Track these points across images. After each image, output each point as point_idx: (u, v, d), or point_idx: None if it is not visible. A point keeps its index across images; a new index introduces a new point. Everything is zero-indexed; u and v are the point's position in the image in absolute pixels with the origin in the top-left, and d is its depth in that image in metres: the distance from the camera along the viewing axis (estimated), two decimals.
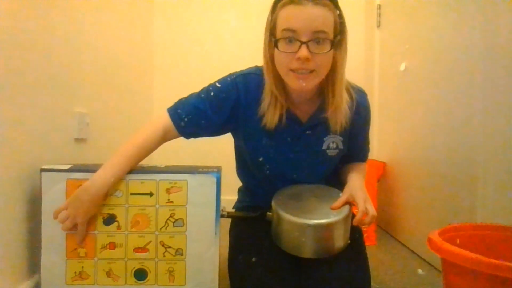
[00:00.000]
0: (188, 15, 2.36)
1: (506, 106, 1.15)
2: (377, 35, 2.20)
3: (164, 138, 1.05)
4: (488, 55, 1.22)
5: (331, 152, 1.06)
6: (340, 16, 0.91)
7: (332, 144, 1.06)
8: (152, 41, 2.34)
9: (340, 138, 1.06)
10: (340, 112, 0.99)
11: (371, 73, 2.22)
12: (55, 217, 0.96)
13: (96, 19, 1.51)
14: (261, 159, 1.07)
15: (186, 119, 1.04)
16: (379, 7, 2.18)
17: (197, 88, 1.03)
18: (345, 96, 1.00)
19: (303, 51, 0.86)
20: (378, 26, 2.19)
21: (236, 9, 2.36)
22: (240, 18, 2.36)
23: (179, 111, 1.05)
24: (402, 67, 1.84)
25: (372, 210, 0.95)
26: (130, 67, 1.96)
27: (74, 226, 0.97)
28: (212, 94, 1.03)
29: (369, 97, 1.13)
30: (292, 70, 0.91)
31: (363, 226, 1.02)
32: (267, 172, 1.09)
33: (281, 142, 1.04)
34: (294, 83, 0.93)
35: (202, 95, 1.05)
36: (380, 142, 2.10)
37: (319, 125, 1.04)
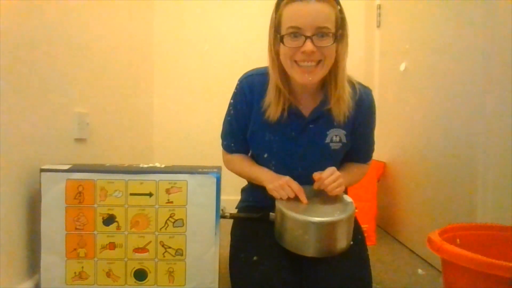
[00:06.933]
0: (188, 15, 2.36)
1: (506, 105, 1.15)
2: (377, 35, 2.20)
3: (242, 155, 1.19)
4: (488, 55, 1.22)
5: (334, 146, 1.08)
6: (341, 11, 0.97)
7: (335, 137, 1.07)
8: (152, 41, 2.34)
9: (343, 131, 1.08)
10: (343, 101, 1.02)
11: (371, 73, 2.22)
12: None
13: (96, 19, 1.51)
14: (266, 155, 1.11)
15: (232, 144, 1.16)
16: (379, 7, 2.17)
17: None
18: (347, 87, 1.03)
19: (308, 46, 0.92)
20: (378, 26, 2.19)
21: (236, 9, 2.35)
22: (240, 18, 2.36)
23: (225, 142, 1.19)
24: (402, 67, 1.83)
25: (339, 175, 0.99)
26: (130, 67, 1.96)
27: None
28: (232, 111, 1.13)
29: None
30: (297, 63, 0.95)
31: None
32: (273, 168, 1.11)
33: (284, 136, 1.07)
34: (299, 77, 0.97)
35: (228, 118, 1.15)
36: (380, 142, 2.07)
37: (322, 118, 1.06)
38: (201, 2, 2.35)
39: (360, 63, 2.35)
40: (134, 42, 2.03)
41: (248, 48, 2.22)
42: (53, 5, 1.18)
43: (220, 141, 1.21)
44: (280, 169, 1.10)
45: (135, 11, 2.03)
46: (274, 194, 1.00)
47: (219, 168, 1.08)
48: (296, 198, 1.00)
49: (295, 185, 0.99)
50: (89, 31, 1.45)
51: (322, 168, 1.06)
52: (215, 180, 1.04)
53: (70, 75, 1.30)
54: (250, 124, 1.10)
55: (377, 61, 2.20)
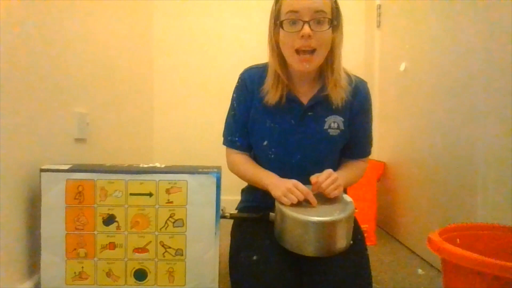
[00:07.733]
0: (188, 15, 2.36)
1: (506, 105, 1.15)
2: (377, 35, 2.20)
3: (246, 157, 1.18)
4: (488, 55, 1.22)
5: (333, 132, 1.10)
6: (336, 3, 1.04)
7: (334, 124, 1.10)
8: (152, 41, 2.34)
9: (341, 118, 1.10)
10: (340, 86, 1.07)
11: (371, 73, 2.21)
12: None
13: (96, 19, 1.51)
14: (265, 143, 1.12)
15: (237, 139, 1.16)
16: (379, 7, 2.18)
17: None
18: (344, 74, 1.09)
19: (306, 29, 0.97)
20: (378, 26, 2.19)
21: (236, 9, 2.36)
22: (240, 18, 2.36)
23: (229, 138, 1.18)
24: (402, 67, 1.83)
25: (336, 177, 0.99)
26: (130, 67, 1.96)
27: None
28: (235, 105, 1.16)
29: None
30: (297, 52, 1.01)
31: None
32: (272, 156, 1.12)
33: (284, 124, 1.10)
34: (298, 65, 1.02)
35: (232, 112, 1.17)
36: (380, 142, 2.09)
37: (320, 104, 1.09)
38: (201, 2, 2.35)
39: (360, 63, 2.35)
40: (134, 41, 2.03)
41: (248, 48, 2.22)
42: (52, 5, 1.18)
43: (221, 141, 1.20)
44: (280, 157, 1.12)
45: (135, 11, 2.03)
46: (283, 200, 0.97)
47: (219, 168, 1.08)
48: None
49: (303, 187, 0.98)
50: (89, 30, 1.45)
51: (320, 154, 1.10)
52: (215, 180, 1.04)
53: (70, 75, 1.30)
54: (251, 112, 1.13)
55: (377, 61, 2.20)
